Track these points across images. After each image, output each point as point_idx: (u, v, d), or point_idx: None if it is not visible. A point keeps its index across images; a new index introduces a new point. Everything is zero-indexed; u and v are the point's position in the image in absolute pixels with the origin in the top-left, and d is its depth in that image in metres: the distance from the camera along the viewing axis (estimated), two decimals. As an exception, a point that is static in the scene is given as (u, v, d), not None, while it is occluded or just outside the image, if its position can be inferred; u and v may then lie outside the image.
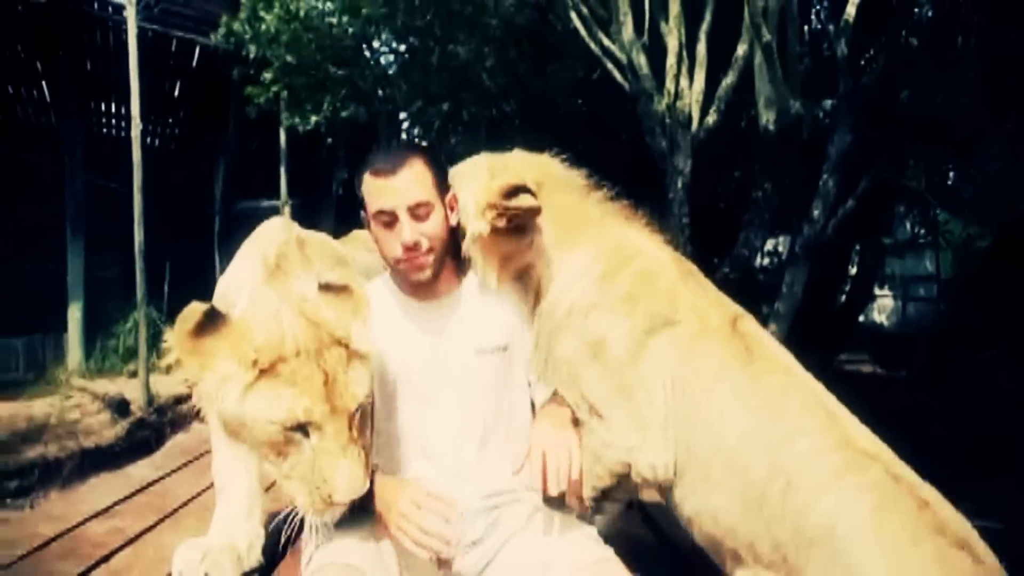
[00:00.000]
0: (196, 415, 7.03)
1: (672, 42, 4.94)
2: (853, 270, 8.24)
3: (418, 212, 1.59)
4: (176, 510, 2.42)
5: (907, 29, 5.51)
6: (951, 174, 6.30)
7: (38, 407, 6.84)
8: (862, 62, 5.37)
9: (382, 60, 7.67)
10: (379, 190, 1.59)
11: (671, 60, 4.93)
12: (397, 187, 1.57)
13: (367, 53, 7.37)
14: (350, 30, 6.82)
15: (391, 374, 1.70)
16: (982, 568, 1.31)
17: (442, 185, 1.66)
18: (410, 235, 1.58)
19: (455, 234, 1.72)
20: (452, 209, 1.70)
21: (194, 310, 1.29)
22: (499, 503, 1.68)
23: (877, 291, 11.33)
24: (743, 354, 1.66)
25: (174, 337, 1.30)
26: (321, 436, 1.31)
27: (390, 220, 1.59)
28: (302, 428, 1.32)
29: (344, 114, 6.99)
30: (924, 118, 4.93)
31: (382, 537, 1.54)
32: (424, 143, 1.63)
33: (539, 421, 1.66)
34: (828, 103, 4.93)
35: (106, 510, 2.39)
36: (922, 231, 8.45)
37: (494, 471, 1.72)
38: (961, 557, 1.31)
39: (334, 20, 6.82)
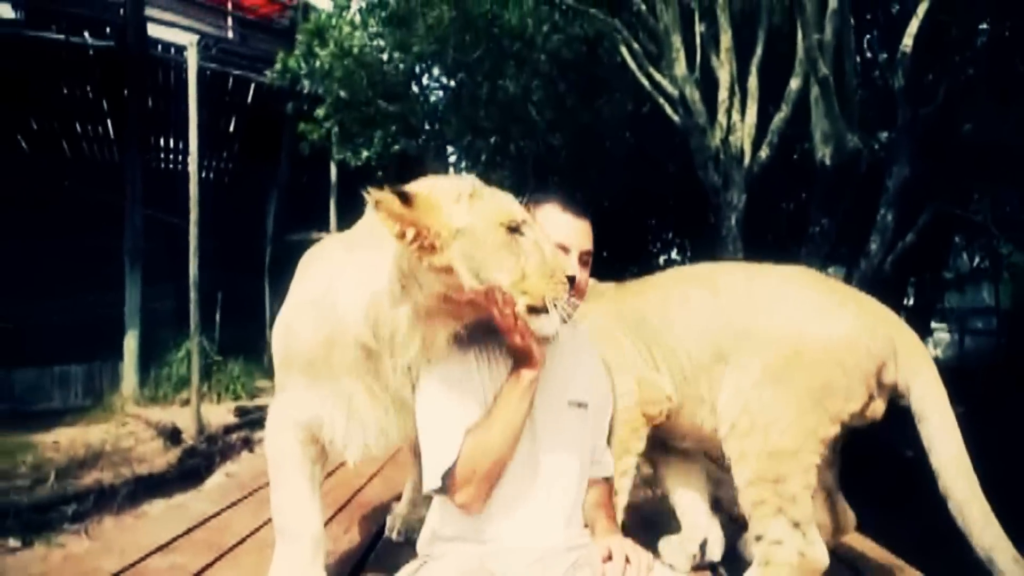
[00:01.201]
0: (246, 445, 7.13)
1: (724, 76, 4.92)
2: (909, 302, 8.00)
3: (584, 259, 1.74)
4: (234, 547, 2.42)
5: (964, 59, 5.39)
6: (1010, 206, 6.10)
7: (94, 434, 7.02)
8: (919, 93, 5.26)
9: (432, 96, 7.81)
10: (566, 226, 1.71)
11: (723, 94, 4.90)
12: (582, 231, 1.72)
13: (417, 88, 7.52)
14: (401, 66, 6.97)
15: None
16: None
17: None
18: (577, 271, 1.70)
19: None
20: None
21: (385, 193, 1.44)
22: (578, 545, 1.65)
23: (933, 324, 10.98)
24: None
25: (396, 209, 1.43)
26: (531, 229, 1.53)
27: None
28: (517, 229, 1.50)
29: (395, 148, 7.11)
30: (989, 150, 4.80)
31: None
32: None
33: (608, 534, 1.65)
34: (884, 135, 4.84)
35: (166, 545, 2.40)
36: (985, 263, 8.17)
37: (573, 516, 1.69)
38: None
39: (385, 56, 6.98)
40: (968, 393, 8.82)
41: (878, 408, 1.90)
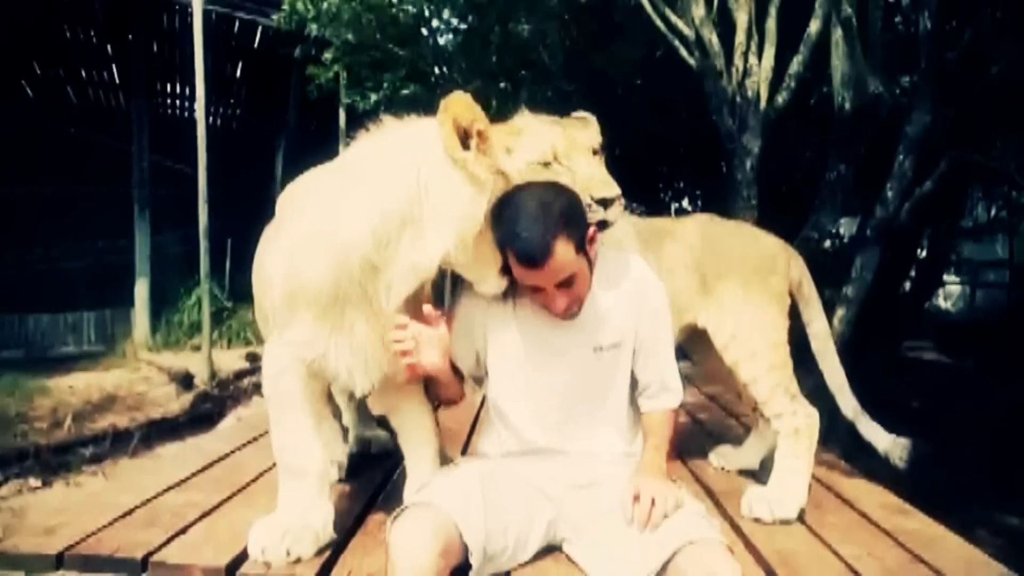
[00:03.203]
0: (256, 390, 7.24)
1: (741, 17, 4.78)
2: (922, 253, 7.89)
3: (565, 282, 1.65)
4: (247, 485, 2.46)
5: (991, 2, 5.20)
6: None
7: (109, 379, 7.12)
8: (944, 37, 5.09)
9: (441, 39, 7.62)
10: (526, 275, 1.64)
11: (740, 37, 4.77)
12: (545, 275, 1.61)
13: (427, 32, 7.34)
14: (410, 8, 6.79)
15: (508, 361, 1.82)
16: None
17: (580, 242, 1.65)
18: (563, 306, 1.68)
19: None
20: (592, 242, 1.71)
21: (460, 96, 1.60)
22: (607, 459, 1.82)
23: (944, 277, 10.86)
24: None
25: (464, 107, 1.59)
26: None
27: (540, 289, 1.67)
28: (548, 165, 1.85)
29: (404, 92, 6.97)
30: (1013, 96, 4.66)
31: (479, 494, 1.63)
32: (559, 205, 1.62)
33: (644, 472, 1.72)
34: (906, 80, 4.70)
35: (182, 482, 2.45)
36: (1002, 213, 8.01)
37: (599, 436, 1.84)
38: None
39: (394, -1, 6.80)
40: (978, 347, 8.81)
41: None
